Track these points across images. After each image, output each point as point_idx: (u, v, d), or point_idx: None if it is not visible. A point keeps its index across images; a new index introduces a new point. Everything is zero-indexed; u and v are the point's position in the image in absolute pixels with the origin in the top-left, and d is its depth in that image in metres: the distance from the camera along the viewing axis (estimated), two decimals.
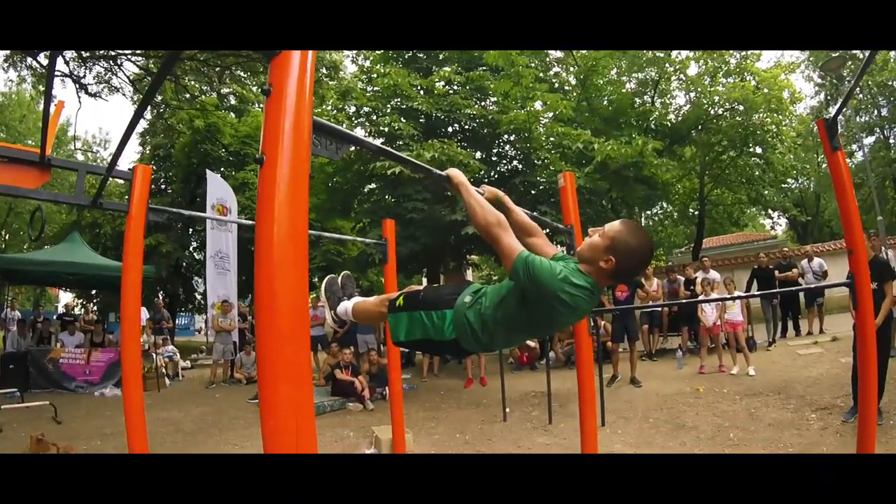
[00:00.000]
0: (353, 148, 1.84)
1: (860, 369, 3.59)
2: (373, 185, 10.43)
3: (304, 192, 1.24)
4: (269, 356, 1.18)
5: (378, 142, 10.03)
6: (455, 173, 2.09)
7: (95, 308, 18.13)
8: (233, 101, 18.44)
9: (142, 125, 17.57)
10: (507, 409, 6.71)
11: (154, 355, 10.28)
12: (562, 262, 1.81)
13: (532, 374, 8.88)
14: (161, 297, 15.59)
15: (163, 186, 18.04)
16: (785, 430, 5.19)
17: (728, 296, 7.86)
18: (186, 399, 8.30)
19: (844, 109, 21.60)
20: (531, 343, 9.49)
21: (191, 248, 17.96)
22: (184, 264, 17.92)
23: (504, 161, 11.05)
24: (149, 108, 16.10)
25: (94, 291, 18.80)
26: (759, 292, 9.96)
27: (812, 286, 9.34)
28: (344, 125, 10.21)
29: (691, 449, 5.02)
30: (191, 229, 17.12)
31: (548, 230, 4.69)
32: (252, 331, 11.43)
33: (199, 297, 19.60)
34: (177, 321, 22.74)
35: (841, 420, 5.09)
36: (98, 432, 6.33)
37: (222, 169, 14.57)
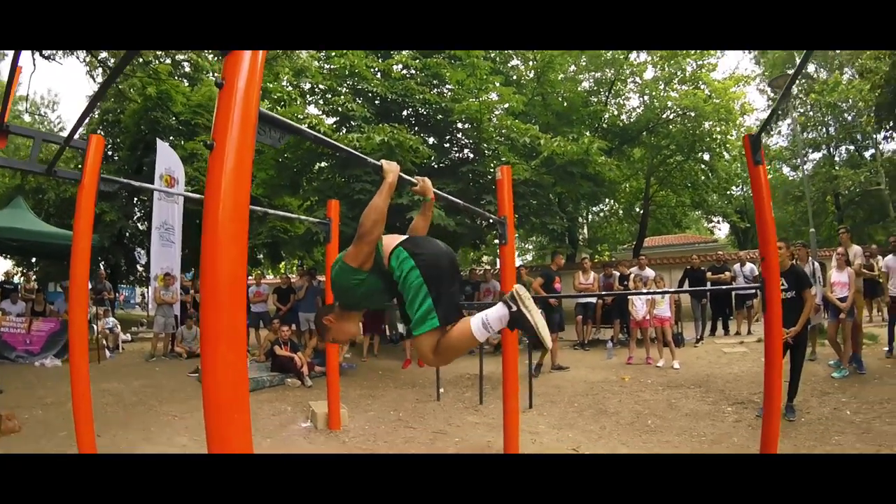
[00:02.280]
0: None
1: (766, 367, 3.89)
2: (323, 164, 10.39)
3: (248, 175, 1.45)
4: (209, 319, 1.40)
5: (331, 121, 10.02)
6: (388, 168, 2.26)
7: (35, 277, 17.40)
8: (187, 69, 17.85)
9: (91, 89, 16.89)
10: (441, 390, 6.96)
11: (94, 326, 10.04)
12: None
13: (468, 358, 8.89)
14: (102, 268, 15.11)
15: (109, 153, 17.38)
16: (700, 421, 5.52)
17: (657, 290, 8.25)
18: (127, 371, 8.21)
19: (790, 126, 22.80)
20: None
21: (134, 218, 17.36)
22: (127, 234, 17.37)
23: (455, 148, 11.15)
24: (99, 70, 15.50)
25: (33, 259, 18.05)
26: (685, 289, 10.46)
27: (724, 287, 9.79)
28: (298, 102, 10.16)
29: (609, 432, 5.31)
30: (136, 199, 16.59)
31: (483, 221, 4.91)
32: (195, 305, 11.29)
33: (140, 268, 19.01)
34: (118, 293, 22.04)
35: (755, 415, 5.40)
36: (40, 402, 6.28)
37: (171, 138, 14.11)
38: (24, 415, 5.47)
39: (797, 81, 23.14)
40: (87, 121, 14.16)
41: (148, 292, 26.95)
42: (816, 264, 7.69)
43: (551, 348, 7.37)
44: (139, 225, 17.60)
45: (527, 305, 2.05)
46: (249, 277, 14.43)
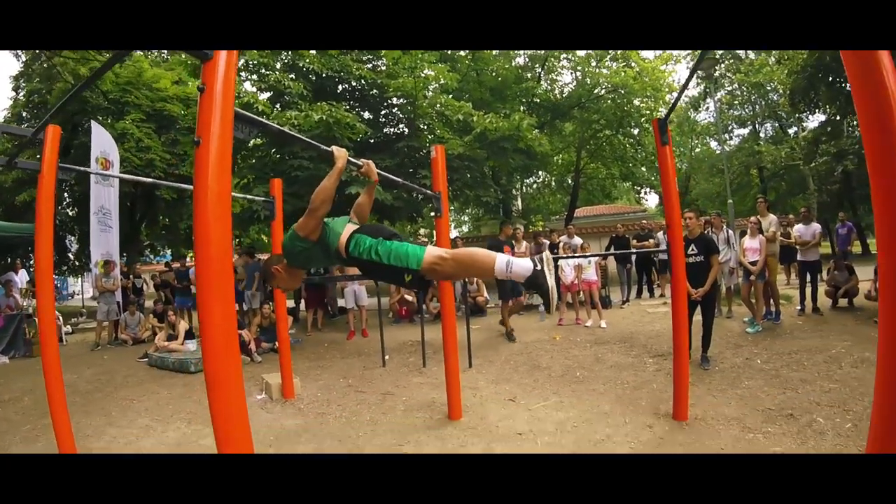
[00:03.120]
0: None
1: (673, 323, 4.41)
2: (258, 141, 10.41)
3: (228, 165, 1.77)
4: (205, 285, 1.72)
5: (266, 96, 10.02)
6: (338, 154, 2.61)
7: None
8: None
9: (16, 68, 15.96)
10: (387, 357, 7.29)
11: (35, 319, 9.77)
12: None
13: (410, 326, 9.39)
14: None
15: (38, 137, 16.49)
16: (624, 371, 6.07)
17: (583, 255, 8.80)
18: (75, 362, 8.08)
19: (719, 103, 23.98)
20: (409, 297, 10.06)
21: (63, 204, 16.63)
22: (57, 221, 16.67)
23: (391, 124, 11.35)
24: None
25: None
26: (606, 252, 11.16)
27: (634, 251, 10.39)
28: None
29: (542, 384, 5.79)
30: (64, 184, 15.93)
31: (419, 195, 5.25)
32: (134, 290, 11.15)
33: (72, 257, 18.30)
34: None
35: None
36: None
37: (100, 117, 13.62)
38: None
39: (725, 61, 24.43)
40: (11, 102, 13.47)
41: (79, 282, 25.98)
42: (730, 232, 8.39)
43: (504, 317, 7.85)
44: (69, 211, 16.93)
45: (550, 270, 2.39)
46: (191, 260, 14.26)
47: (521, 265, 2.36)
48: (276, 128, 2.59)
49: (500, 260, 2.34)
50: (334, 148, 2.63)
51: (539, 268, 2.36)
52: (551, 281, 2.38)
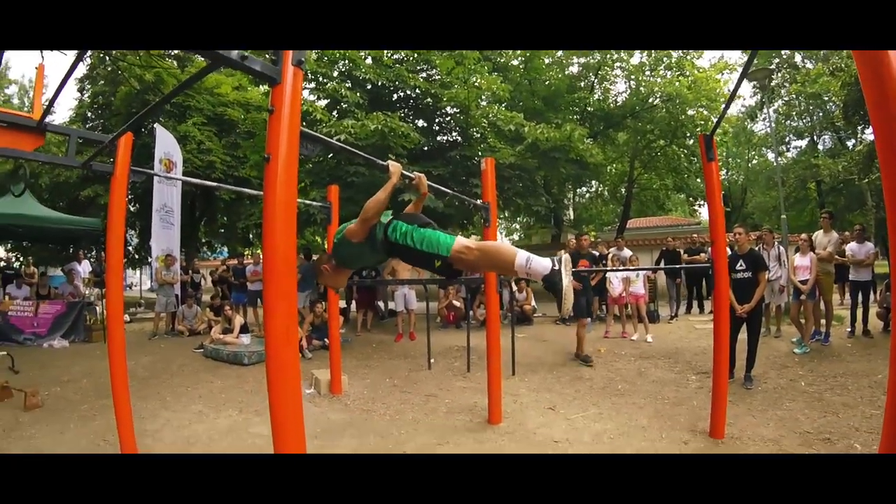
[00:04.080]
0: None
1: (714, 340, 4.39)
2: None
3: (294, 179, 1.96)
4: (273, 280, 1.92)
5: (323, 103, 10.33)
6: (393, 170, 2.81)
7: (32, 261, 17.55)
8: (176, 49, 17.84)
9: (81, 71, 16.85)
10: (432, 360, 7.44)
11: (97, 308, 10.36)
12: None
13: (457, 332, 9.46)
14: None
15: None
16: (665, 386, 6.03)
17: (628, 268, 8.74)
18: (133, 349, 8.40)
19: (774, 114, 23.24)
20: (457, 303, 10.17)
21: (126, 200, 17.39)
22: None
23: (444, 132, 11.51)
24: (91, 52, 15.50)
25: (24, 244, 18.17)
26: (654, 267, 10.96)
27: (680, 266, 10.14)
28: None
29: (583, 395, 5.82)
30: (137, 181, 16.65)
31: (471, 203, 5.38)
32: (193, 285, 11.66)
33: (132, 250, 19.19)
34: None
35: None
36: (56, 380, 6.65)
37: (161, 119, 14.29)
38: (43, 392, 5.83)
39: (781, 70, 23.65)
40: (76, 102, 14.14)
41: (138, 273, 27.14)
42: (781, 248, 8.15)
43: (578, 335, 7.47)
44: (130, 207, 17.76)
45: (567, 270, 2.46)
46: (247, 258, 14.77)
47: (540, 263, 2.42)
48: (338, 145, 2.83)
49: (521, 256, 2.44)
50: (390, 163, 2.82)
51: (557, 268, 2.42)
52: (567, 281, 2.42)
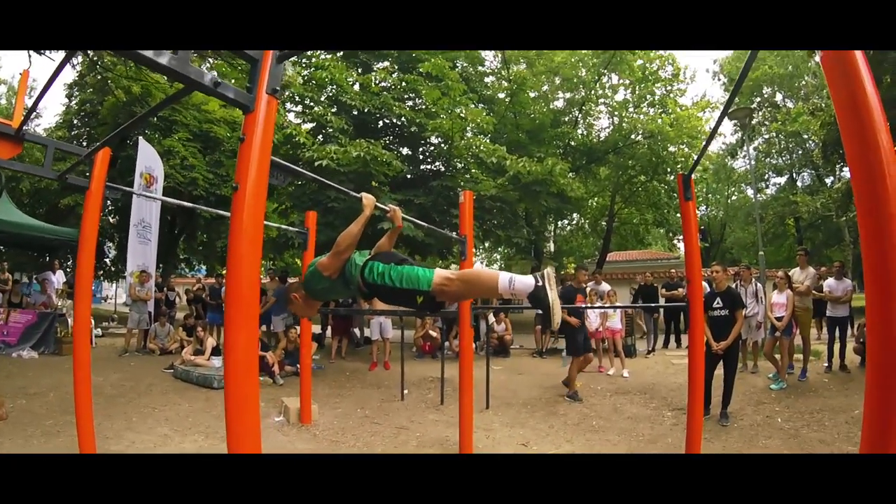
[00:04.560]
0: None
1: (689, 378, 4.38)
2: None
3: (262, 208, 1.92)
4: (234, 311, 1.87)
5: (308, 126, 10.35)
6: (366, 203, 2.81)
7: (7, 266, 17.18)
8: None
9: (70, 76, 16.76)
10: (406, 391, 7.35)
11: (69, 320, 10.12)
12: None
13: (432, 362, 9.40)
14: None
15: (85, 144, 17.24)
16: (640, 423, 6.01)
17: (609, 305, 8.79)
18: (103, 365, 8.29)
19: (754, 151, 23.79)
20: (433, 333, 10.12)
21: (105, 211, 17.19)
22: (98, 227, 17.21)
23: (428, 161, 11.59)
24: (79, 58, 15.39)
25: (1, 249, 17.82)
26: (630, 305, 11.02)
27: (655, 305, 10.24)
28: (280, 111, 10.49)
29: (557, 431, 5.78)
30: (107, 191, 16.45)
31: (449, 234, 5.39)
32: (167, 302, 11.47)
33: (108, 263, 18.88)
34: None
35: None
36: (22, 392, 6.50)
37: (147, 132, 14.18)
38: (8, 404, 5.69)
39: (762, 108, 24.34)
40: (64, 108, 14.00)
41: (114, 287, 26.68)
42: (759, 285, 8.25)
43: (571, 375, 7.31)
44: (109, 218, 17.52)
45: (551, 285, 2.39)
46: (223, 278, 14.58)
47: (524, 282, 2.40)
48: (310, 175, 2.83)
49: (503, 278, 2.42)
50: (363, 195, 2.81)
51: (540, 283, 2.38)
52: (552, 296, 2.37)
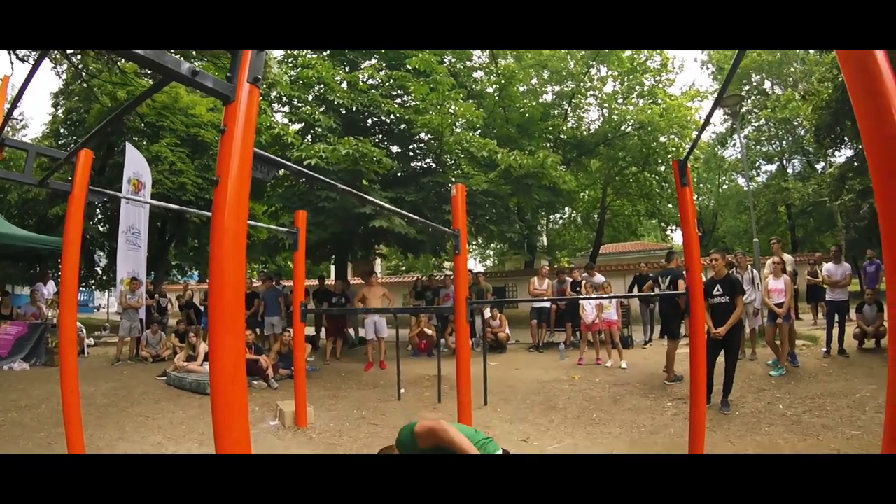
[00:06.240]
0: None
1: (691, 366, 4.32)
2: (287, 172, 10.57)
3: (246, 202, 1.83)
4: (219, 313, 1.78)
5: (296, 127, 10.25)
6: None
7: None
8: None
9: (56, 85, 16.61)
10: (402, 390, 7.23)
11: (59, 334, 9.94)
12: None
13: (428, 361, 9.31)
14: None
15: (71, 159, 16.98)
16: (641, 414, 5.95)
17: (605, 296, 8.72)
18: (95, 375, 8.19)
19: (744, 139, 23.80)
20: (428, 331, 10.04)
21: (94, 221, 17.02)
22: (87, 236, 17.09)
23: (418, 158, 11.51)
24: (65, 66, 15.23)
25: None
26: (627, 294, 10.99)
27: (654, 293, 10.08)
28: (266, 112, 10.39)
29: (557, 425, 5.71)
30: (97, 201, 16.29)
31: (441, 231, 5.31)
32: (158, 309, 11.34)
33: (100, 271, 18.71)
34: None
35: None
36: (14, 405, 6.40)
37: (135, 138, 14.03)
38: None
39: (751, 96, 24.37)
40: (50, 117, 13.89)
41: (106, 296, 26.52)
42: (755, 272, 8.19)
43: (668, 357, 7.30)
44: (99, 227, 17.36)
45: None
46: None
47: None
48: (295, 168, 2.69)
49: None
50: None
51: None
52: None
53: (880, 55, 1.51)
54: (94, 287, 22.44)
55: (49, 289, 12.15)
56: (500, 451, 2.59)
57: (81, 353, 10.57)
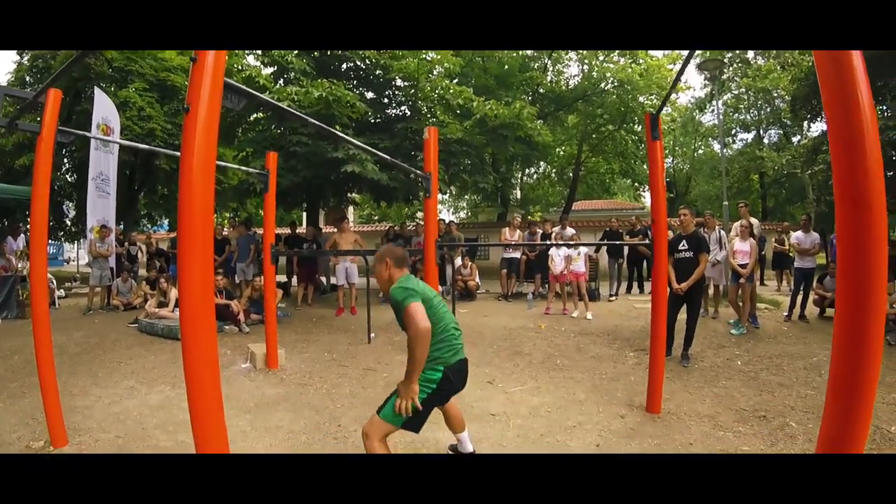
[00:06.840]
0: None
1: (652, 316, 4.45)
2: (259, 115, 10.38)
3: (215, 133, 1.85)
4: (188, 248, 1.81)
5: (269, 71, 10.02)
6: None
7: None
8: None
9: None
10: (373, 335, 7.34)
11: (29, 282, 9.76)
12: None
13: None
14: None
15: (39, 100, 16.34)
16: (604, 362, 6.14)
17: (573, 243, 8.86)
18: (66, 325, 8.13)
19: (723, 106, 23.89)
20: None
21: (62, 171, 16.52)
22: (56, 186, 16.63)
23: (393, 105, 11.36)
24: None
25: None
26: (594, 242, 11.18)
27: (619, 242, 10.44)
28: (237, 52, 10.11)
29: (522, 369, 5.87)
30: (64, 149, 15.85)
31: (416, 177, 5.29)
32: (129, 257, 11.21)
33: (69, 223, 18.31)
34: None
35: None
36: None
37: (104, 84, 13.56)
38: None
39: (733, 64, 24.36)
40: (15, 66, 13.37)
41: (75, 248, 26.01)
42: (723, 232, 8.33)
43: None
44: (67, 177, 16.89)
45: None
46: None
47: None
48: (266, 99, 2.67)
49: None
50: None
51: None
52: None
53: (856, 55, 1.57)
54: (63, 239, 21.95)
55: (19, 243, 11.90)
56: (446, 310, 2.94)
57: (52, 305, 10.45)
